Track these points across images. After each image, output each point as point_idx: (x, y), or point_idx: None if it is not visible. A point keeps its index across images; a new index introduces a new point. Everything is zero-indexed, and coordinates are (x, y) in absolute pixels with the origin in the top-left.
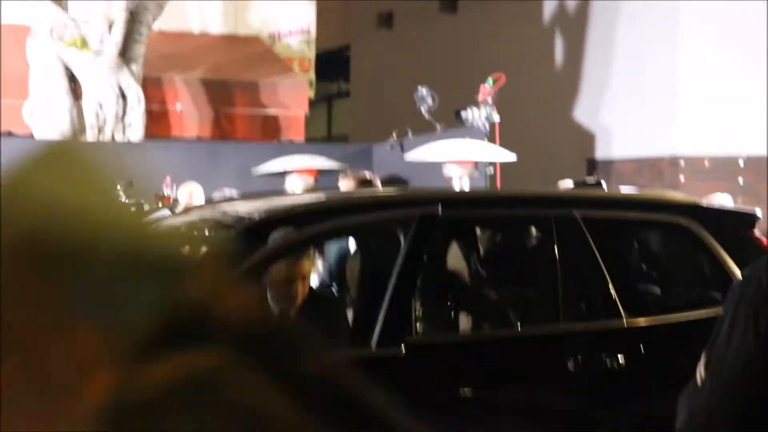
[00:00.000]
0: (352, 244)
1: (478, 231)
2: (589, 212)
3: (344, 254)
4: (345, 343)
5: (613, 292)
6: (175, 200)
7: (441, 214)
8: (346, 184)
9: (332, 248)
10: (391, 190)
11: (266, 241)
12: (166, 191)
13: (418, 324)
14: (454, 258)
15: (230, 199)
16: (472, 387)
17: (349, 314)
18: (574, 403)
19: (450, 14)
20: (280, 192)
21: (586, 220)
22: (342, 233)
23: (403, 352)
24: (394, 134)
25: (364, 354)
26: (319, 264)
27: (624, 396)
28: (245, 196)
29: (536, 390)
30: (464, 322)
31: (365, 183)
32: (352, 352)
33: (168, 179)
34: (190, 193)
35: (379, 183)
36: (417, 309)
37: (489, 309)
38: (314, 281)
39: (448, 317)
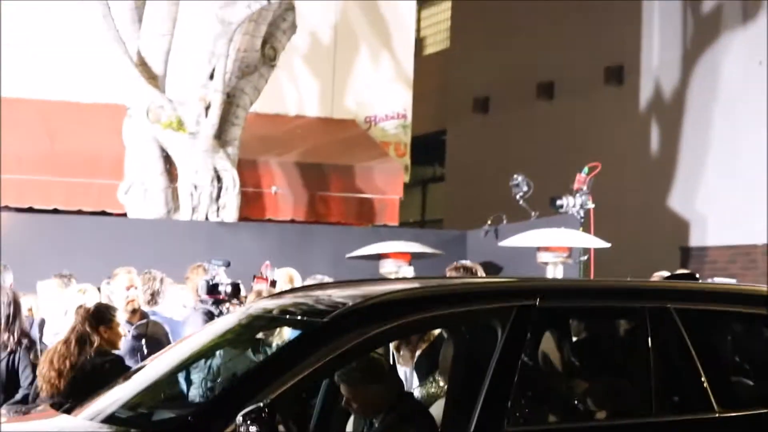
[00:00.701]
0: (447, 334)
1: (572, 321)
2: (682, 304)
3: (440, 343)
4: None
5: (706, 384)
6: (273, 282)
7: (538, 305)
8: (452, 273)
9: (429, 336)
10: (487, 280)
11: (356, 329)
12: (266, 273)
13: (513, 414)
14: (548, 348)
15: (326, 284)
16: None
17: (443, 404)
18: None
19: (546, 100)
20: (377, 278)
21: (680, 312)
22: (437, 323)
23: None
24: (489, 220)
25: None
26: (409, 354)
27: None
28: (341, 282)
29: None
30: (558, 412)
31: (470, 273)
32: None
33: (268, 262)
34: (290, 277)
35: (481, 271)
36: (512, 399)
37: (582, 400)
38: (402, 371)
39: (542, 407)
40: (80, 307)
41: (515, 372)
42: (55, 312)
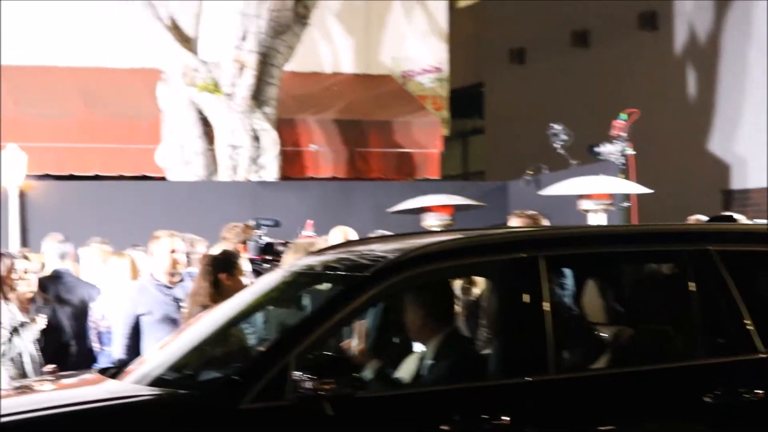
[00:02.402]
0: (488, 281)
1: (613, 267)
2: (723, 246)
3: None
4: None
5: (749, 325)
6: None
7: (576, 252)
8: (516, 222)
9: (474, 283)
10: (524, 230)
11: (400, 280)
12: (308, 232)
13: (553, 360)
14: (590, 295)
15: (369, 239)
16: (610, 420)
17: (493, 346)
18: None
19: (582, 48)
20: (419, 231)
21: (721, 254)
22: (476, 271)
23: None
24: (529, 170)
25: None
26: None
27: (762, 430)
28: (382, 237)
29: (674, 424)
30: (602, 356)
31: (534, 221)
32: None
33: (310, 221)
34: (345, 234)
35: (546, 221)
36: (557, 343)
37: (626, 344)
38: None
39: (584, 354)
40: (204, 255)
41: (548, 319)
42: (98, 278)
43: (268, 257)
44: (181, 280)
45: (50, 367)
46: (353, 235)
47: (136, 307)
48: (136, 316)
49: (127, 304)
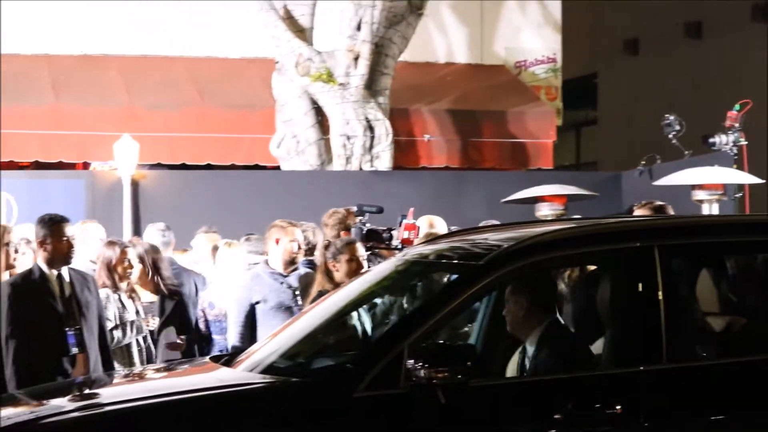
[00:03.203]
0: (602, 270)
1: (727, 257)
2: None
3: (596, 279)
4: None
5: None
6: (418, 228)
7: (691, 241)
8: (641, 212)
9: (587, 273)
10: (638, 219)
11: (514, 269)
12: (410, 220)
13: (673, 346)
14: (704, 284)
15: (481, 228)
16: (722, 410)
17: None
18: None
19: (695, 39)
20: (532, 220)
21: None
22: (590, 261)
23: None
24: (643, 161)
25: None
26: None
27: None
28: (496, 225)
29: None
30: (715, 346)
31: (659, 210)
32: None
33: (412, 208)
34: (431, 223)
35: (671, 210)
36: (670, 332)
37: (739, 333)
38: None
39: (699, 341)
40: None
41: (662, 308)
42: (208, 266)
43: (369, 244)
44: (296, 269)
45: (181, 338)
46: (440, 224)
47: (251, 295)
48: (251, 304)
49: (242, 292)
